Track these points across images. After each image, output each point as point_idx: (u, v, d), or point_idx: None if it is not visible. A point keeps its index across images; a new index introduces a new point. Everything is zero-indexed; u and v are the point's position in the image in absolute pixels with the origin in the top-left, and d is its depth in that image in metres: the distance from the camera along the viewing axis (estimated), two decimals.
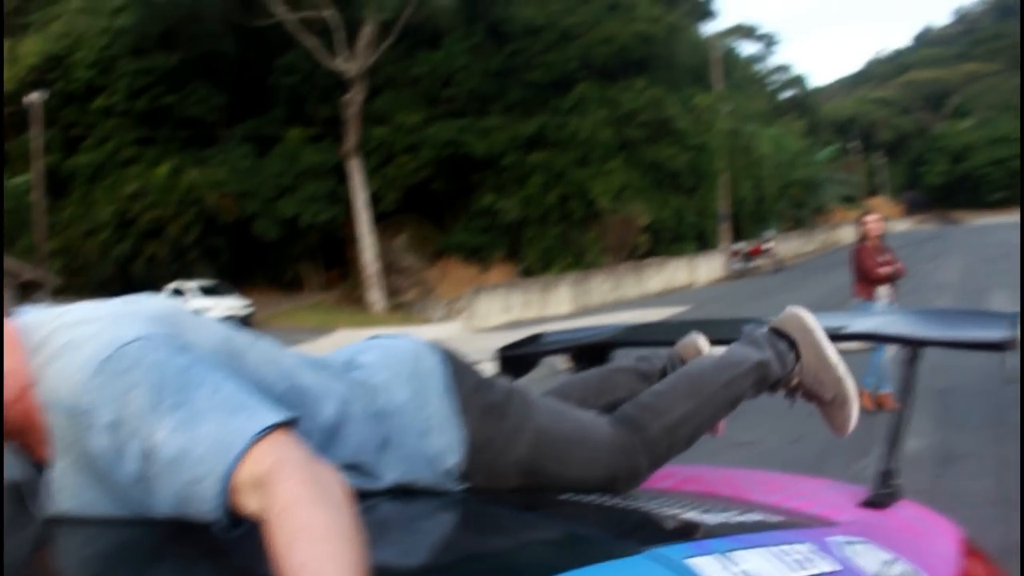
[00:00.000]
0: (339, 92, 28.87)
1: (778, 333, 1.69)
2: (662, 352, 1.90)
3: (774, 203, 38.00)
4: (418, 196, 31.72)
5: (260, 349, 1.17)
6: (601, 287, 26.41)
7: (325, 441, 1.14)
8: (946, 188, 66.00)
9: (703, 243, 32.25)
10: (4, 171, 20.86)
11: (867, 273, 7.82)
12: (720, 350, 1.85)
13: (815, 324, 1.69)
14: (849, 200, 52.54)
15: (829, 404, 1.69)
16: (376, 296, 28.45)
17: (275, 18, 28.16)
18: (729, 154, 33.23)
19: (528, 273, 28.54)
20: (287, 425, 0.95)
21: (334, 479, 0.91)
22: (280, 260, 32.93)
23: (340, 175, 29.70)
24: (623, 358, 2.04)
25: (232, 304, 27.12)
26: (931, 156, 68.79)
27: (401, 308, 28.28)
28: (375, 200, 29.96)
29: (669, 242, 30.70)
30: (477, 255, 30.02)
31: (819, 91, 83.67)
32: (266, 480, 0.88)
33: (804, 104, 64.65)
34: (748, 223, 35.76)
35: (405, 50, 33.01)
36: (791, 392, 1.71)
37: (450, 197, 32.13)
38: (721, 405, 1.58)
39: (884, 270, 7.77)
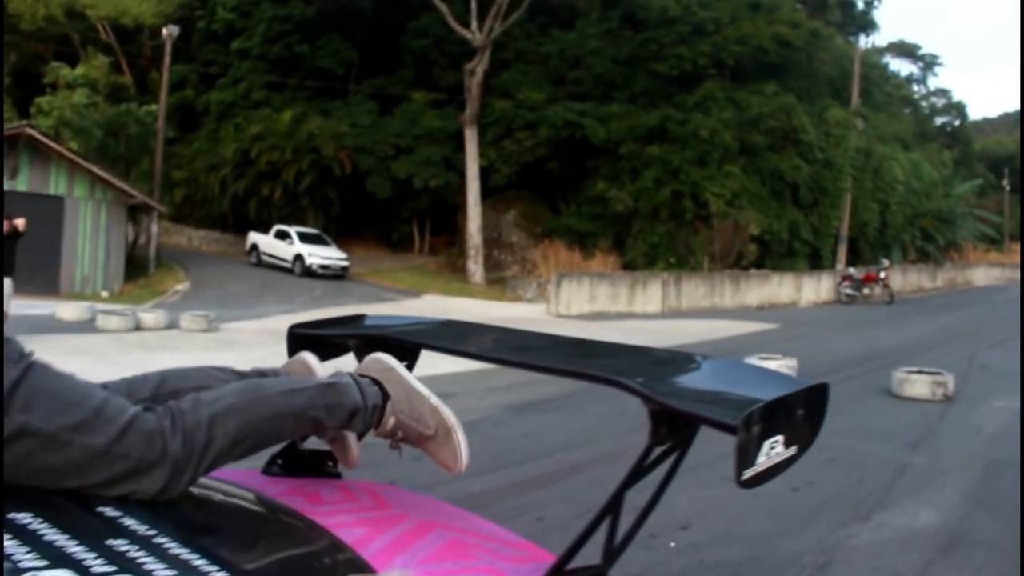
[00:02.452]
0: (467, 60, 28.97)
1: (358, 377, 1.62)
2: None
3: (900, 232, 36.21)
4: (532, 174, 31.55)
5: None
6: (695, 291, 25.66)
7: None
8: None
9: (816, 262, 30.99)
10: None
11: None
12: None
13: (396, 363, 1.65)
14: (990, 240, 49.71)
15: (435, 439, 1.56)
16: (476, 267, 28.51)
17: None
18: (857, 174, 31.82)
19: (631, 266, 28.04)
20: None
21: None
22: (390, 219, 33.39)
23: (459, 143, 29.81)
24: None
25: (329, 254, 27.70)
26: None
27: (499, 283, 28.25)
28: (489, 173, 29.98)
29: (779, 256, 29.59)
30: (583, 241, 29.60)
31: (983, 123, 79.44)
32: None
33: (958, 134, 61.52)
34: (868, 249, 34.23)
35: (539, 27, 32.87)
36: (391, 436, 1.61)
37: (564, 179, 31.83)
38: (285, 412, 1.47)
39: None
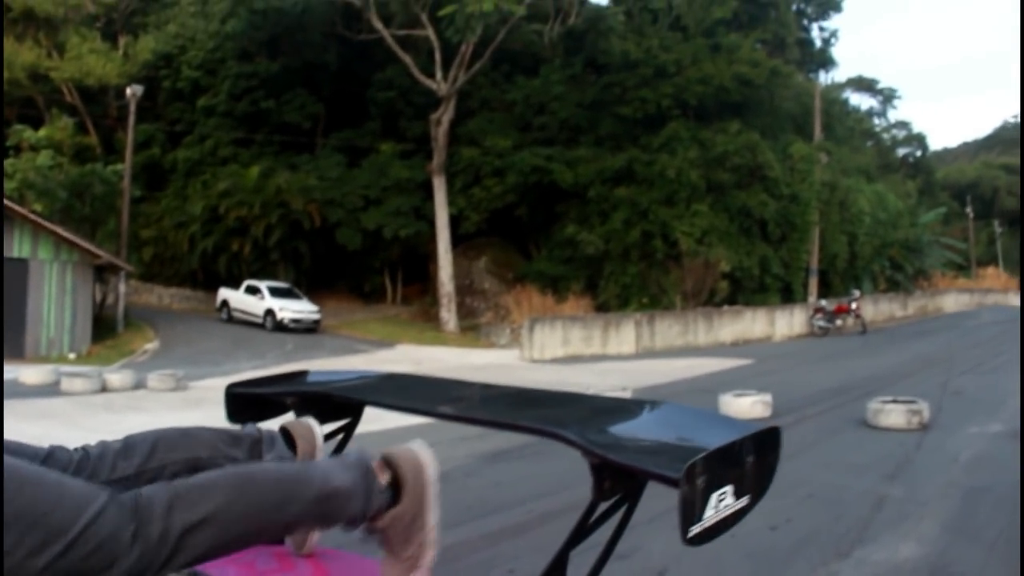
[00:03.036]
0: (433, 110, 29.18)
1: (388, 464, 1.43)
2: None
3: (869, 262, 36.52)
4: (502, 220, 31.67)
5: None
6: (669, 330, 25.67)
7: None
8: None
9: (788, 296, 31.14)
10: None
11: None
12: (320, 445, 1.67)
13: (433, 476, 1.45)
14: (958, 268, 50.26)
15: (398, 561, 1.41)
16: (449, 316, 28.43)
17: (376, 34, 28.63)
18: (824, 207, 32.14)
19: (604, 308, 28.06)
20: None
21: None
22: (361, 270, 33.36)
23: (427, 192, 29.92)
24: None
25: (300, 308, 27.54)
26: None
27: (472, 330, 28.16)
28: (459, 221, 30.07)
29: (751, 291, 29.72)
30: (555, 285, 29.61)
31: (943, 153, 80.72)
32: None
33: (920, 164, 62.48)
34: (839, 280, 34.47)
35: (503, 75, 33.20)
36: (369, 530, 1.44)
37: (534, 224, 31.98)
38: (272, 523, 1.29)
39: None
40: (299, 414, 1.96)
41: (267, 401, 2.04)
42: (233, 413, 2.04)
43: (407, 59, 28.64)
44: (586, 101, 31.98)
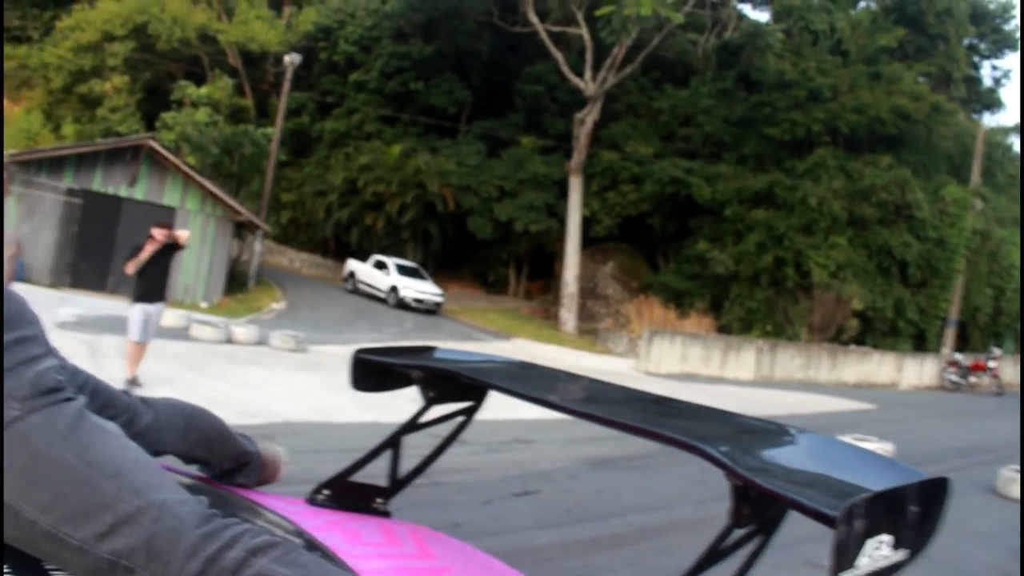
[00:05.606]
0: (577, 109, 29.17)
1: None
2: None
3: (1015, 320, 34.59)
4: (633, 228, 31.47)
5: None
6: (791, 362, 24.93)
7: None
8: None
9: (920, 344, 29.83)
10: None
11: None
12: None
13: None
14: None
15: None
16: (569, 316, 28.38)
17: (530, 27, 28.78)
18: (972, 256, 30.61)
19: (725, 330, 27.50)
20: None
21: None
22: (487, 259, 33.63)
23: (562, 190, 29.93)
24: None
25: (424, 288, 27.85)
26: None
27: (590, 334, 28.04)
28: (590, 223, 29.98)
29: (882, 334, 28.56)
30: (679, 300, 29.21)
31: None
32: None
33: None
34: (979, 335, 32.80)
35: (652, 82, 32.89)
36: None
37: (664, 236, 31.67)
38: None
39: None
40: (423, 389, 1.94)
41: (391, 372, 2.01)
42: (357, 379, 2.02)
43: (558, 55, 28.69)
44: (733, 117, 31.36)
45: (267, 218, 28.38)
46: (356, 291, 29.48)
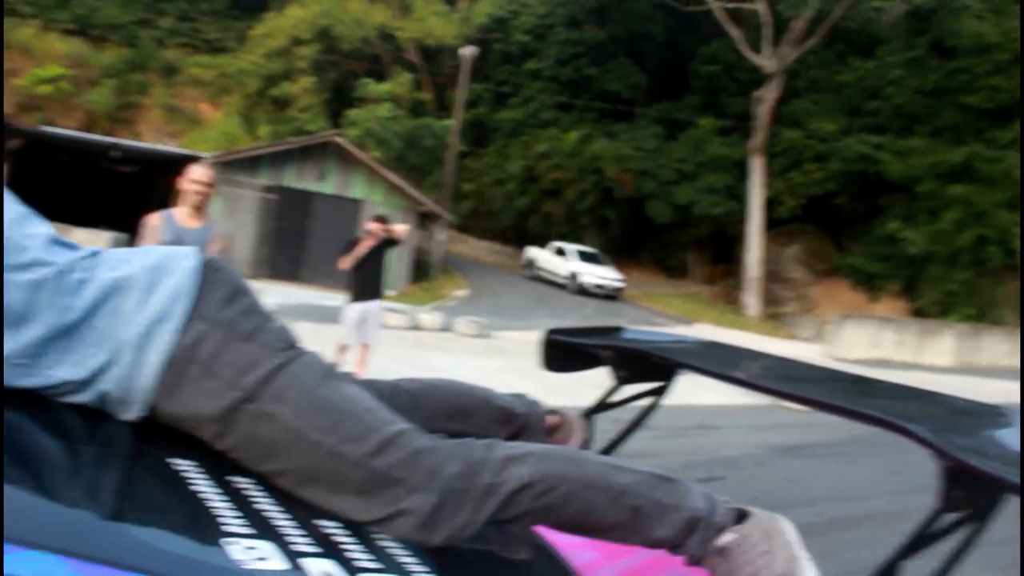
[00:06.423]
0: (756, 87, 28.39)
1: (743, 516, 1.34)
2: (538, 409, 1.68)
3: None
4: (818, 208, 30.32)
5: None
6: (995, 348, 23.40)
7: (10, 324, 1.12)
8: None
9: None
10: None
11: None
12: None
13: (793, 539, 1.27)
14: None
15: None
16: (752, 300, 27.76)
17: (704, 5, 28.17)
18: None
19: (921, 314, 26.15)
20: None
21: None
22: (667, 244, 33.31)
23: (742, 171, 29.26)
24: None
25: (604, 274, 27.84)
26: None
27: (774, 319, 27.35)
28: (772, 204, 29.12)
29: None
30: (868, 282, 28.03)
31: None
32: None
33: None
34: None
35: (835, 55, 31.52)
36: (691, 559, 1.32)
37: (852, 216, 30.34)
38: (599, 485, 1.27)
39: None
40: (614, 369, 1.95)
41: (582, 352, 2.04)
42: (550, 360, 2.05)
43: (735, 33, 27.94)
44: (926, 87, 29.62)
45: (449, 208, 29.14)
46: (536, 278, 29.83)
